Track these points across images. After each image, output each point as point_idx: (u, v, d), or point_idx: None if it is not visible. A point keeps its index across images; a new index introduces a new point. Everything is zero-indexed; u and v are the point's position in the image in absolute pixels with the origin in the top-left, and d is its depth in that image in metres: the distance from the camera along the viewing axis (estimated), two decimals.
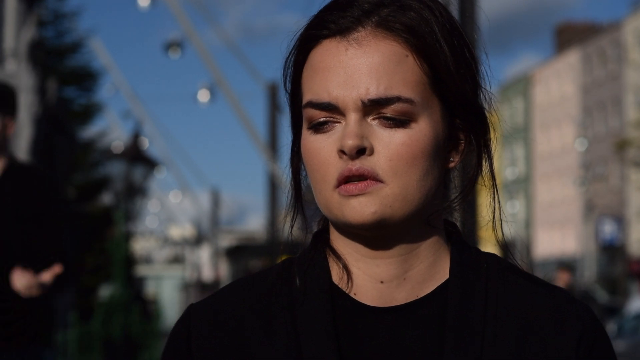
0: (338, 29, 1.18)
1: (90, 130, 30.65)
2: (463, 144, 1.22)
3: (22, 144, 13.34)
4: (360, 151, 1.15)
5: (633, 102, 52.89)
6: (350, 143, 1.15)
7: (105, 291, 22.75)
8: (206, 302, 1.25)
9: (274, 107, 28.92)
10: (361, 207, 1.17)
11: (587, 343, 1.23)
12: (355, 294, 1.20)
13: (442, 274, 1.22)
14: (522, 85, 66.88)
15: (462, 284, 1.20)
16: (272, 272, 1.25)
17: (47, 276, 3.77)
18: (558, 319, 1.23)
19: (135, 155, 15.73)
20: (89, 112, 28.46)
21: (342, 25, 1.17)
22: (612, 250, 52.82)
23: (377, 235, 1.19)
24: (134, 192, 15.81)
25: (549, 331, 1.22)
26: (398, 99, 1.15)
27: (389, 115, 1.15)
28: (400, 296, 1.20)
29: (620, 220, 52.94)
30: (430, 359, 1.15)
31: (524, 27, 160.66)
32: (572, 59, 61.47)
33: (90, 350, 14.01)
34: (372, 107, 1.15)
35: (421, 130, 1.16)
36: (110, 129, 36.62)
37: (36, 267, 3.82)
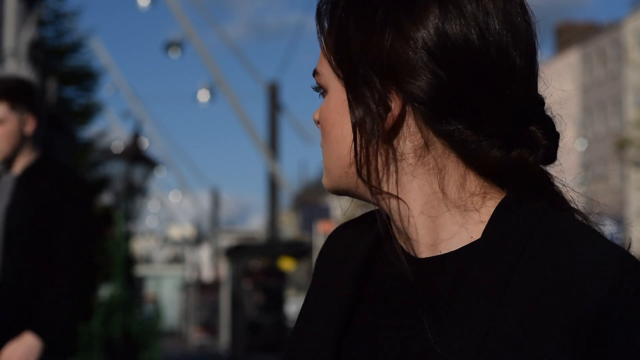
0: None
1: (90, 130, 30.67)
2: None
3: None
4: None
5: (633, 102, 52.88)
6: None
7: (105, 291, 22.74)
8: (346, 223, 1.33)
9: (274, 107, 28.91)
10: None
11: (589, 329, 1.03)
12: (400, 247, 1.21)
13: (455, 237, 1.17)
14: None
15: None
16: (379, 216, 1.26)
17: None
18: (563, 292, 1.06)
19: (135, 155, 15.73)
20: (89, 112, 28.46)
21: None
22: None
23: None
24: (134, 192, 15.81)
25: (547, 310, 1.06)
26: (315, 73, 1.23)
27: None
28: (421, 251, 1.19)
29: (620, 220, 52.89)
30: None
31: None
32: (572, 58, 61.46)
33: (90, 350, 14.01)
34: None
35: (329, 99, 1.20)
36: (110, 129, 36.62)
37: (65, 267, 3.81)
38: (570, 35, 63.48)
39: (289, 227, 76.33)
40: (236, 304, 24.90)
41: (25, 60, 13.74)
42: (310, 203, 48.73)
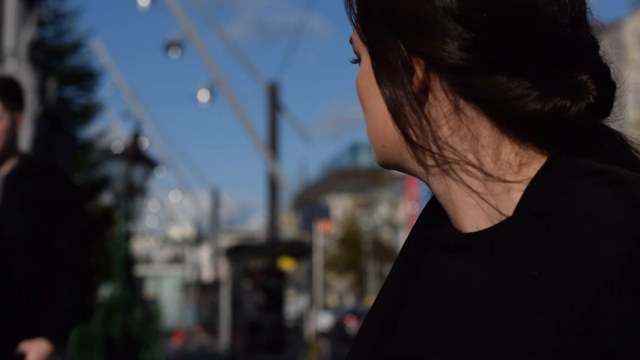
0: None
1: (90, 130, 30.71)
2: None
3: (22, 144, 13.35)
4: None
5: (633, 102, 52.93)
6: None
7: (105, 291, 22.73)
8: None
9: (274, 107, 28.93)
10: None
11: (574, 328, 0.95)
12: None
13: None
14: None
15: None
16: None
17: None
18: (553, 290, 0.97)
19: (135, 155, 15.74)
20: (89, 112, 28.47)
21: None
22: None
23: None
24: (134, 192, 15.81)
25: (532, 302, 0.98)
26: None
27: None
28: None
29: None
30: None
31: None
32: None
33: (90, 350, 14.01)
34: None
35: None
36: (110, 129, 36.65)
37: (64, 269, 3.82)
38: None
39: (289, 227, 76.35)
40: (236, 304, 24.91)
41: (25, 60, 13.74)
42: (310, 203, 48.69)
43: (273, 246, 26.73)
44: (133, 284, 22.33)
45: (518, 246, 1.02)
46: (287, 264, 25.46)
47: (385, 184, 67.34)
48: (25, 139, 13.36)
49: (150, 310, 24.93)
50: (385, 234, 64.23)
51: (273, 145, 28.34)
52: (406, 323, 1.14)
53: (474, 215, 1.09)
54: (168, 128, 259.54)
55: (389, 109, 1.10)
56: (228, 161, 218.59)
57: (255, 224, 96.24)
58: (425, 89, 1.08)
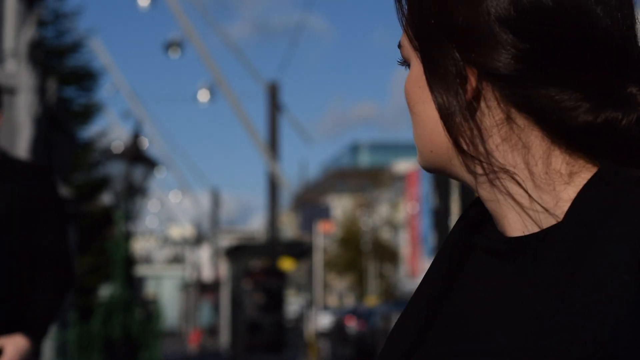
0: None
1: (90, 130, 30.72)
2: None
3: (22, 144, 13.34)
4: None
5: None
6: None
7: (105, 291, 22.74)
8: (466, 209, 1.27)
9: (274, 107, 28.93)
10: None
11: (614, 343, 0.96)
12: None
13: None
14: None
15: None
16: None
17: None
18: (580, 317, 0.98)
19: (135, 155, 15.74)
20: (89, 112, 28.49)
21: None
22: None
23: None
24: (134, 192, 15.81)
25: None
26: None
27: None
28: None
29: None
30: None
31: None
32: None
33: (90, 350, 14.01)
34: None
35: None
36: (110, 129, 36.65)
37: (44, 269, 3.80)
38: None
39: (289, 227, 76.36)
40: (236, 304, 24.91)
41: (25, 61, 13.74)
42: (310, 203, 48.69)
43: (273, 246, 26.73)
44: (133, 284, 22.36)
45: (565, 255, 1.03)
46: (287, 264, 25.46)
47: (385, 184, 67.34)
48: (25, 139, 13.36)
49: (150, 310, 24.94)
50: (385, 234, 64.24)
51: (273, 145, 28.35)
52: (444, 325, 1.14)
53: (521, 221, 1.10)
54: (168, 128, 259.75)
55: (441, 117, 1.10)
56: (228, 161, 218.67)
57: (255, 224, 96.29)
58: (477, 97, 1.08)
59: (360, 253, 61.15)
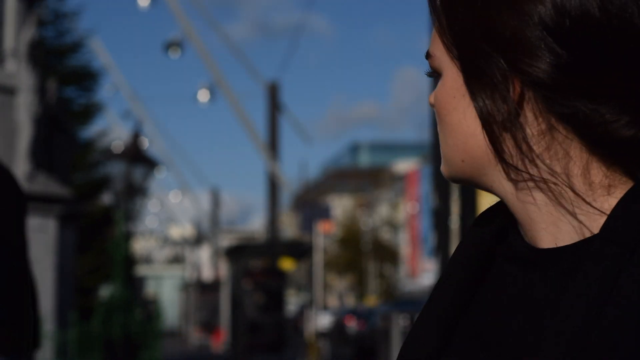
0: None
1: (90, 130, 30.69)
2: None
3: (22, 144, 13.34)
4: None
5: None
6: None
7: (105, 291, 22.75)
8: (482, 214, 1.27)
9: (274, 107, 28.93)
10: None
11: None
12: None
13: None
14: None
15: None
16: None
17: None
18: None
19: (135, 155, 15.74)
20: (89, 112, 28.50)
21: None
22: None
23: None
24: (134, 192, 15.82)
25: None
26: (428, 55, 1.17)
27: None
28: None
29: None
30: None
31: None
32: None
33: (90, 350, 14.01)
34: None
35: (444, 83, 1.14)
36: (110, 129, 36.64)
37: None
38: None
39: (289, 227, 76.36)
40: (236, 304, 24.92)
41: (25, 61, 13.74)
42: (310, 203, 48.66)
43: (273, 246, 26.73)
44: (133, 284, 22.36)
45: (599, 270, 1.03)
46: (287, 264, 25.46)
47: (385, 184, 67.35)
48: (25, 140, 13.36)
49: (150, 310, 24.94)
50: (385, 234, 64.24)
51: (273, 145, 28.35)
52: (468, 333, 1.14)
53: (553, 232, 1.10)
54: (168, 128, 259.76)
55: (483, 124, 1.09)
56: (228, 161, 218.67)
57: (255, 224, 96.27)
58: (521, 106, 1.08)
59: (360, 253, 61.14)
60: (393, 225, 64.03)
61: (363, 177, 74.73)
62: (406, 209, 61.30)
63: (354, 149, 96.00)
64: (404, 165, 67.51)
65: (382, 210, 65.71)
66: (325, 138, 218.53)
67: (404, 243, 62.06)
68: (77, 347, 13.86)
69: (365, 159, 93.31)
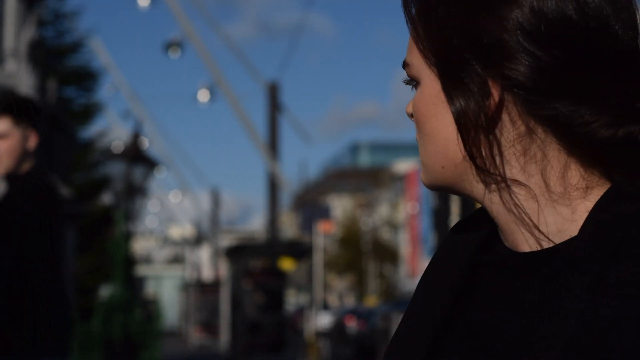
0: None
1: (90, 130, 30.70)
2: None
3: None
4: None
5: None
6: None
7: (105, 291, 22.75)
8: (461, 220, 1.27)
9: (274, 107, 28.93)
10: None
11: None
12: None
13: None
14: None
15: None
16: None
17: None
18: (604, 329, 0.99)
19: (135, 155, 15.74)
20: (89, 112, 28.50)
21: None
22: None
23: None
24: (134, 192, 15.82)
25: None
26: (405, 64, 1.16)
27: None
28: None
29: None
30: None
31: None
32: None
33: (90, 350, 14.01)
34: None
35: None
36: (110, 129, 36.63)
37: None
38: None
39: (289, 227, 76.37)
40: (236, 304, 24.91)
41: (25, 61, 13.74)
42: (310, 203, 48.68)
43: (273, 246, 26.73)
44: (133, 284, 22.34)
45: (585, 272, 1.03)
46: (287, 264, 25.46)
47: (385, 184, 67.33)
48: None
49: (150, 310, 24.94)
50: (385, 234, 64.23)
51: (273, 145, 28.35)
52: (458, 341, 1.14)
53: (533, 236, 1.09)
54: (168, 128, 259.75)
55: (459, 129, 1.09)
56: (228, 161, 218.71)
57: (255, 224, 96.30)
58: (499, 110, 1.08)
59: (360, 253, 61.14)
60: (393, 225, 64.02)
61: (363, 177, 74.70)
62: (406, 209, 61.28)
63: (354, 149, 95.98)
64: (404, 165, 67.47)
65: (382, 210, 65.70)
66: (326, 138, 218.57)
67: (404, 243, 62.05)
68: (77, 347, 13.86)
69: (365, 159, 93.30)
